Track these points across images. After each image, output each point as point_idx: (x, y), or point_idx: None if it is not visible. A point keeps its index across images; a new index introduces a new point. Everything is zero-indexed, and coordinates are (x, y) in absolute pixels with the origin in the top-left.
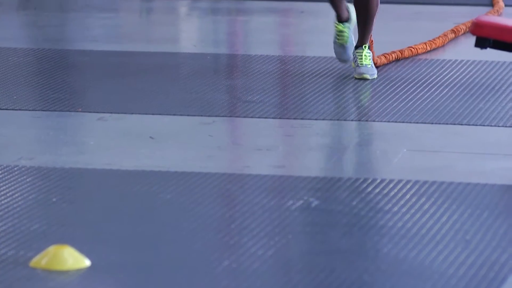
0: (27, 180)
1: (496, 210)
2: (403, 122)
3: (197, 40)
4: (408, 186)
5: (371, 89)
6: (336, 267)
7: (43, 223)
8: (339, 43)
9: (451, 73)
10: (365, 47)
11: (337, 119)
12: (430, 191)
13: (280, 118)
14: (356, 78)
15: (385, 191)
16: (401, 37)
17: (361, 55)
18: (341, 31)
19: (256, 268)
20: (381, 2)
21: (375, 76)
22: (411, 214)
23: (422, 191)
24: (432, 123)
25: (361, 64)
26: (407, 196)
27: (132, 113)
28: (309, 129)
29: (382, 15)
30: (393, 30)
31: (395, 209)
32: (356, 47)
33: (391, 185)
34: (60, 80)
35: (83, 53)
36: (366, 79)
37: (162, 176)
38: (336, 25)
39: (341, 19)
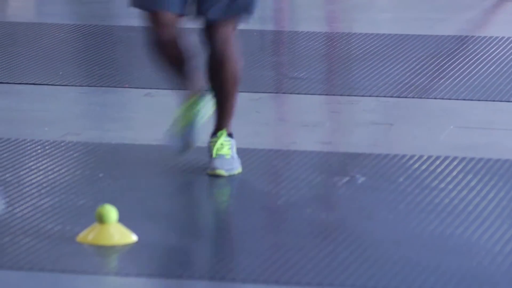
0: (74, 155)
1: None
2: (450, 99)
3: None
4: (455, 163)
5: (418, 66)
6: (383, 243)
7: (89, 198)
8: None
9: (499, 50)
10: (221, 134)
11: (384, 96)
12: (476, 168)
13: (326, 94)
14: (208, 174)
15: (431, 168)
16: (439, 13)
17: (216, 144)
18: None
19: (302, 245)
20: None
21: (235, 171)
22: (457, 191)
23: (469, 168)
24: (480, 100)
25: (215, 154)
26: (454, 173)
27: (179, 89)
28: (356, 105)
29: None
30: (437, 6)
31: (442, 186)
32: (212, 134)
33: (437, 162)
34: (106, 56)
35: (129, 29)
36: (220, 176)
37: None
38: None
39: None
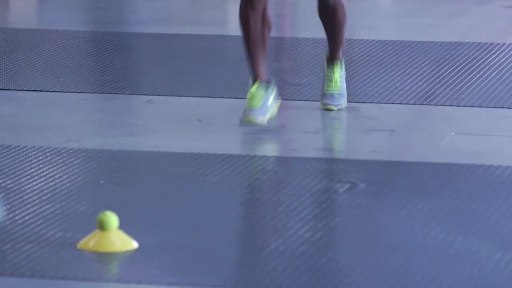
0: (75, 162)
1: None
2: (451, 105)
3: None
4: (456, 169)
5: (419, 72)
6: (383, 250)
7: (90, 205)
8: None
9: (500, 56)
10: (336, 64)
11: (385, 102)
12: (477, 174)
13: None
14: (322, 109)
15: (432, 174)
16: (450, 21)
17: (332, 77)
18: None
19: (303, 251)
20: None
21: (342, 106)
22: (458, 198)
23: (470, 174)
24: (481, 107)
25: (327, 92)
26: (455, 179)
27: (180, 96)
28: (356, 112)
29: None
30: (439, 12)
31: (443, 192)
32: (328, 63)
33: (438, 168)
34: (108, 62)
35: (130, 36)
36: (331, 110)
37: (210, 159)
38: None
39: (257, 77)
